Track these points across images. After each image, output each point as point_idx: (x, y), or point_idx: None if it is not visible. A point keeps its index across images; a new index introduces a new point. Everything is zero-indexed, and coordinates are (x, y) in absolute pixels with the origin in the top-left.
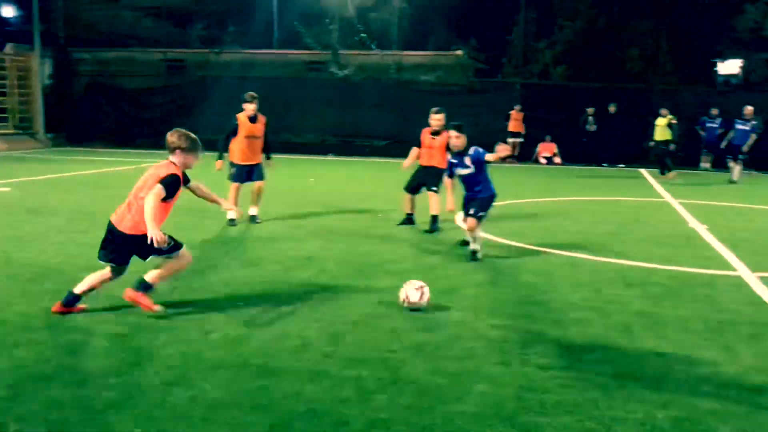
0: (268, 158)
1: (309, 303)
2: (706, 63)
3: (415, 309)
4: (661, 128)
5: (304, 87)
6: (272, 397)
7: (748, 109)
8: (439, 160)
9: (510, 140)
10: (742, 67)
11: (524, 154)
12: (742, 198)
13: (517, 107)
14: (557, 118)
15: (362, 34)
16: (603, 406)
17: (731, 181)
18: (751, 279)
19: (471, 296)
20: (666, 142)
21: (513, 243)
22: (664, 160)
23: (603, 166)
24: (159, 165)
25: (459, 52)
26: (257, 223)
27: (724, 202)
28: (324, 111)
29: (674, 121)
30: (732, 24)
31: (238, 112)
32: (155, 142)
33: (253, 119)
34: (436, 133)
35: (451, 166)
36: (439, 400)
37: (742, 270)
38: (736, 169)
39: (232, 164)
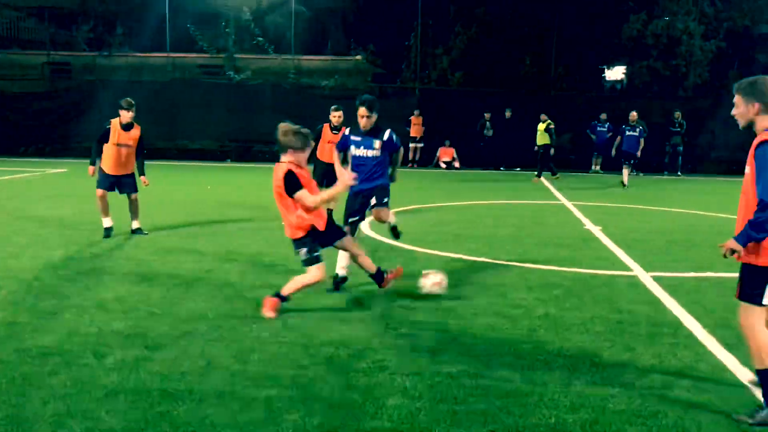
0: (142, 174)
1: (211, 319)
2: (595, 69)
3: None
4: (541, 133)
5: (200, 91)
6: (175, 423)
7: (633, 114)
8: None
9: (411, 145)
10: (626, 74)
11: (424, 159)
12: (633, 199)
13: (416, 112)
14: (456, 123)
15: (259, 38)
16: (515, 412)
17: (623, 184)
18: (646, 279)
19: (380, 305)
20: (546, 146)
21: (417, 248)
22: (546, 163)
23: (501, 170)
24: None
25: (358, 56)
26: (144, 235)
27: (616, 203)
28: (221, 116)
29: (552, 126)
30: (618, 32)
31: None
32: (40, 150)
33: (126, 127)
34: (336, 129)
35: (347, 141)
36: (352, 417)
37: (637, 270)
38: (625, 173)
39: (100, 170)
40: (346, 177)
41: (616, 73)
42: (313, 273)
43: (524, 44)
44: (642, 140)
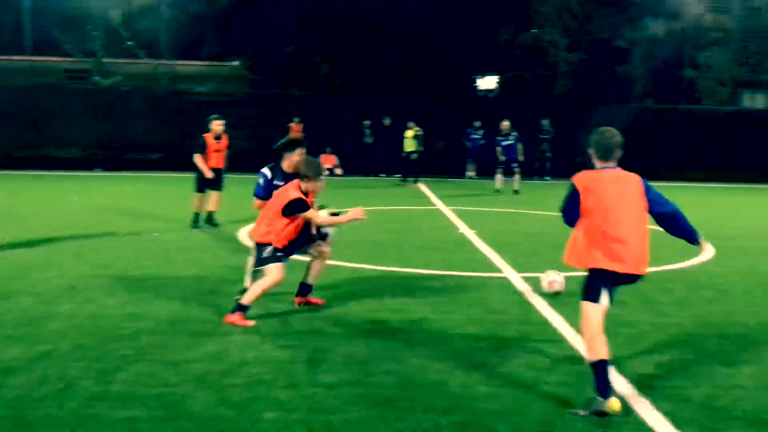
0: None
1: (73, 338)
2: (468, 78)
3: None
4: (409, 140)
5: (64, 97)
6: None
7: (505, 124)
8: (221, 162)
9: None
10: (499, 82)
11: None
12: (505, 204)
13: (296, 119)
14: (336, 131)
15: (129, 42)
16: (390, 418)
17: (515, 191)
18: (517, 279)
19: (255, 316)
20: (414, 153)
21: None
22: (413, 169)
23: (381, 177)
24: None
25: (235, 62)
26: None
27: (489, 207)
28: (88, 123)
29: (420, 133)
30: (489, 42)
31: None
32: None
33: None
34: (218, 138)
35: (270, 187)
36: None
37: (507, 271)
38: (516, 178)
39: None
40: (358, 211)
41: (488, 82)
42: (272, 273)
43: (403, 53)
44: (519, 145)
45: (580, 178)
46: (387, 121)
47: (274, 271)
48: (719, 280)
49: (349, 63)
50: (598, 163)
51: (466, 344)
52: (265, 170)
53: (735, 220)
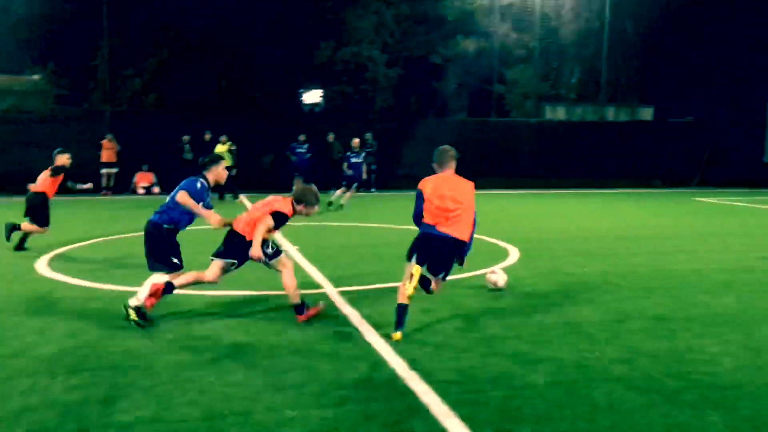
0: None
1: None
2: (293, 93)
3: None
4: (223, 155)
5: None
6: None
7: (356, 141)
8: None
9: (104, 171)
10: (323, 96)
11: (121, 185)
12: (330, 217)
13: (109, 136)
14: (153, 147)
15: None
16: None
17: (340, 206)
18: (334, 294)
19: (46, 356)
20: (228, 168)
21: (99, 285)
22: (230, 184)
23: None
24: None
25: (36, 76)
26: None
27: (313, 222)
28: None
29: (233, 148)
30: (312, 57)
31: None
32: None
33: None
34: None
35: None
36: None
37: (326, 286)
38: (338, 193)
39: None
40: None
41: (313, 96)
42: (287, 263)
43: (220, 67)
44: (365, 166)
45: (423, 180)
46: (208, 136)
47: (286, 261)
48: (523, 282)
49: (165, 78)
50: (438, 170)
51: (278, 367)
52: (203, 180)
53: (540, 223)
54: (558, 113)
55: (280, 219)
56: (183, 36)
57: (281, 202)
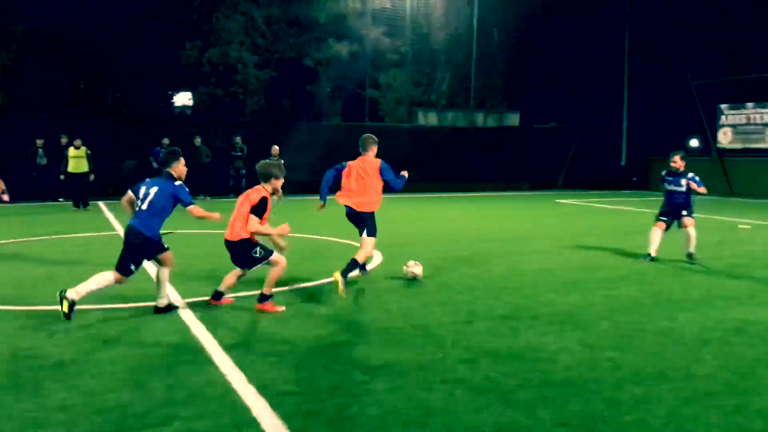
0: None
1: None
2: (162, 94)
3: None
4: (79, 159)
5: None
6: None
7: (275, 148)
8: None
9: None
10: (192, 99)
11: None
12: (193, 225)
13: None
14: (2, 152)
15: None
16: None
17: None
18: (182, 306)
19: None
20: (85, 174)
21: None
22: (83, 192)
23: (59, 201)
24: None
25: None
26: None
27: (178, 230)
28: None
29: (89, 152)
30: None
31: None
32: None
33: None
34: None
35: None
36: None
37: (175, 298)
38: None
39: None
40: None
41: (183, 99)
42: (279, 260)
43: (77, 67)
44: (234, 169)
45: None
46: (64, 140)
47: (279, 259)
48: (378, 286)
49: (15, 79)
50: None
51: (106, 386)
52: (178, 183)
53: (408, 228)
54: (430, 119)
55: (262, 205)
56: (33, 33)
57: (253, 192)
